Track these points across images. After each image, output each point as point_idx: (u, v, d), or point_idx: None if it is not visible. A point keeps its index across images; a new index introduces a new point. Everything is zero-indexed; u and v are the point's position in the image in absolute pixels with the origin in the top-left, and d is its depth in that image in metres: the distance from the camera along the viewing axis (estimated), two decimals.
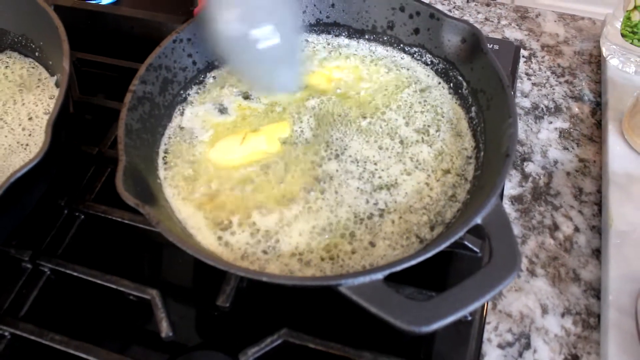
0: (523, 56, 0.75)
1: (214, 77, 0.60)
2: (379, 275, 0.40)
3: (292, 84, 0.59)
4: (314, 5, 0.61)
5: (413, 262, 0.41)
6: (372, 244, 0.48)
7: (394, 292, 0.39)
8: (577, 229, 0.59)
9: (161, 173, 0.52)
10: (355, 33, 0.63)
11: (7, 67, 0.64)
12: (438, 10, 0.56)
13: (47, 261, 0.52)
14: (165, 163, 0.53)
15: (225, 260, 0.45)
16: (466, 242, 0.52)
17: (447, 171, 0.52)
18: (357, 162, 0.53)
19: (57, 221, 0.55)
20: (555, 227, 0.59)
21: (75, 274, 0.51)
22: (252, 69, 0.57)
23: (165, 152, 0.54)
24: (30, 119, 0.58)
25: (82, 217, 0.56)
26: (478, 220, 0.42)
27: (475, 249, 0.52)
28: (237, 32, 0.53)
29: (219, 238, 0.48)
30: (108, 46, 0.72)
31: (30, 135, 0.57)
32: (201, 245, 0.47)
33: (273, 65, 0.57)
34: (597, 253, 0.57)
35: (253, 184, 0.52)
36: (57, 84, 0.61)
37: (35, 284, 0.51)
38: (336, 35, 0.63)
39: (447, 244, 0.42)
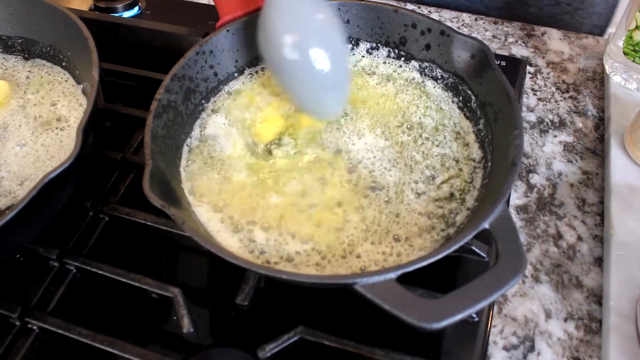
0: (529, 72, 0.78)
1: (233, 88, 0.63)
2: (392, 275, 0.42)
3: (338, 109, 0.60)
4: None
5: (424, 263, 0.43)
6: (387, 247, 0.50)
7: (406, 291, 0.41)
8: (580, 238, 0.61)
9: (184, 178, 0.55)
10: (369, 48, 0.66)
11: (35, 75, 0.67)
12: (448, 27, 0.59)
13: (73, 260, 0.54)
14: (188, 168, 0.56)
15: (247, 259, 0.47)
16: (474, 247, 0.54)
17: (457, 178, 0.55)
18: (372, 167, 0.56)
19: (82, 222, 0.58)
20: (559, 236, 0.61)
21: (100, 272, 0.53)
22: (303, 93, 0.58)
23: (188, 158, 0.56)
24: (61, 129, 0.61)
25: (107, 218, 0.58)
26: (486, 225, 0.44)
27: (482, 253, 0.54)
28: (293, 57, 0.54)
29: (240, 241, 0.50)
30: (129, 57, 0.75)
31: (61, 141, 0.59)
32: (222, 247, 0.50)
33: (323, 90, 0.57)
34: (599, 261, 0.59)
35: (276, 192, 0.54)
36: (84, 92, 0.64)
37: (61, 281, 0.54)
38: (351, 50, 0.66)
39: (457, 246, 0.44)
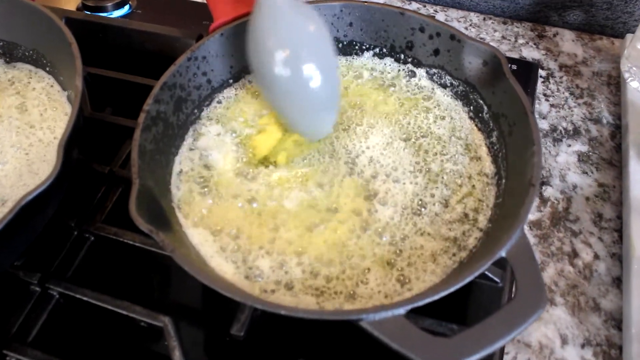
0: (541, 76, 0.74)
1: (228, 97, 0.59)
2: (401, 311, 0.39)
3: (328, 127, 0.55)
4: (332, 24, 0.60)
5: (436, 297, 0.40)
6: (393, 272, 0.46)
7: (416, 327, 0.38)
8: (597, 256, 0.57)
9: (174, 196, 0.51)
10: (373, 53, 0.62)
11: (18, 81, 0.63)
12: (459, 31, 0.55)
13: (56, 284, 0.51)
14: (179, 185, 0.52)
15: (242, 291, 0.44)
16: (487, 272, 0.50)
17: (468, 196, 0.51)
18: (382, 182, 0.52)
19: (66, 243, 0.54)
20: (574, 254, 0.58)
21: (84, 298, 0.50)
22: (293, 111, 0.53)
23: (179, 174, 0.53)
24: (46, 142, 0.57)
25: (92, 238, 0.54)
26: (502, 253, 0.41)
27: (495, 279, 0.50)
28: (283, 74, 0.50)
29: (235, 266, 0.47)
30: (118, 60, 0.71)
31: (45, 155, 0.55)
32: (216, 273, 0.46)
33: (314, 107, 0.53)
34: (618, 282, 0.55)
35: (275, 210, 0.50)
36: (69, 99, 0.60)
37: (43, 308, 0.50)
38: (354, 55, 0.62)
39: (471, 278, 0.40)
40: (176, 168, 0.53)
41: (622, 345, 0.51)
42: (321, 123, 0.55)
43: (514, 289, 0.45)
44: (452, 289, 0.40)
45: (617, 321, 0.53)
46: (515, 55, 0.76)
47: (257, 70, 0.53)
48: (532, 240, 0.58)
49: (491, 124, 0.54)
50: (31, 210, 0.45)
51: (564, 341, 0.52)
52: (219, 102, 0.59)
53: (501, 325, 0.38)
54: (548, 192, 0.62)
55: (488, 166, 0.53)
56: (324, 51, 0.52)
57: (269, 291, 0.45)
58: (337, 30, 0.61)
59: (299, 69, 0.50)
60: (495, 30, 0.80)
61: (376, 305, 0.42)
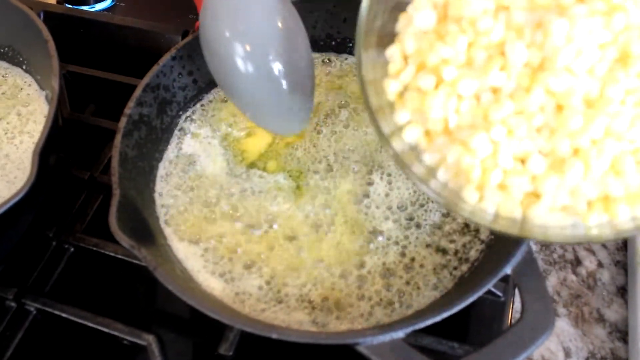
0: None
1: (216, 97, 0.56)
2: (400, 334, 0.37)
3: (300, 123, 0.51)
4: (325, 21, 0.57)
5: (437, 319, 0.38)
6: (391, 287, 0.44)
7: (416, 351, 0.36)
8: (600, 264, 0.55)
9: (158, 206, 0.48)
10: None
11: None
12: None
13: (33, 300, 0.48)
14: (163, 194, 0.49)
15: (230, 311, 0.41)
16: None
17: None
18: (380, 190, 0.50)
19: (44, 254, 0.51)
20: (577, 261, 0.56)
21: (63, 315, 0.47)
22: (256, 105, 0.49)
23: (163, 181, 0.50)
24: (24, 148, 0.53)
25: (72, 249, 0.51)
26: (507, 270, 0.39)
27: (498, 292, 0.48)
28: (244, 69, 0.45)
29: (223, 281, 0.44)
30: (100, 57, 0.68)
31: (22, 162, 0.52)
32: (202, 290, 0.43)
33: (281, 101, 0.48)
34: (623, 291, 0.54)
35: (264, 220, 0.48)
36: (47, 99, 0.57)
37: (20, 325, 0.47)
38: (347, 53, 0.59)
39: (475, 297, 0.39)
40: (160, 175, 0.50)
41: (627, 358, 0.49)
42: (288, 122, 0.50)
43: (517, 306, 0.43)
44: (454, 310, 0.38)
45: (622, 333, 0.51)
46: None
47: (212, 63, 0.48)
48: (532, 247, 0.56)
49: None
50: (3, 223, 0.42)
51: (568, 354, 0.50)
52: (206, 103, 0.56)
53: (507, 350, 0.36)
54: None
55: None
56: (289, 44, 0.46)
57: (259, 309, 0.43)
58: (331, 27, 0.58)
59: (259, 63, 0.45)
60: None
61: (374, 328, 0.40)
